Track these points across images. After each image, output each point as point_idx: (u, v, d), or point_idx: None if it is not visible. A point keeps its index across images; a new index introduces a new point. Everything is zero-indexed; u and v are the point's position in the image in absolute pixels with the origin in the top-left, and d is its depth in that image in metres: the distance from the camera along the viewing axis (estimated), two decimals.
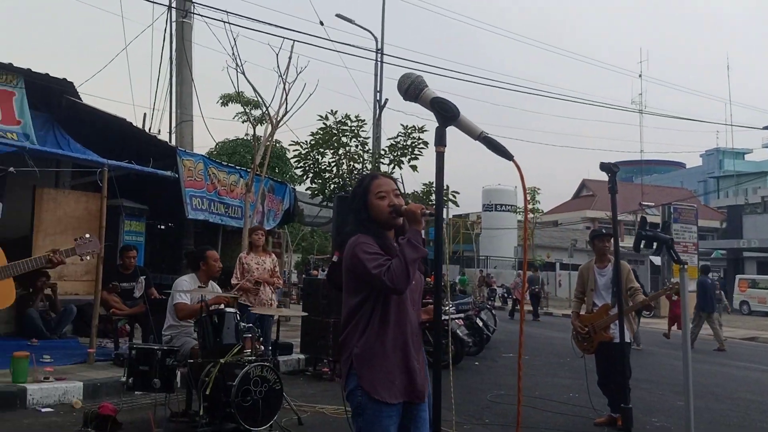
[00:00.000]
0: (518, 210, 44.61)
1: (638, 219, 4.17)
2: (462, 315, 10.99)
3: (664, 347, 15.18)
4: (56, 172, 10.30)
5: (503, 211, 44.74)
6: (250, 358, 5.70)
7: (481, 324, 11.54)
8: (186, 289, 6.22)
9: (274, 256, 8.88)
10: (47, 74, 9.28)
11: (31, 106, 9.07)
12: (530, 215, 36.79)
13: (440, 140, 2.38)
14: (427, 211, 2.82)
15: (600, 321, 6.61)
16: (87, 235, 4.29)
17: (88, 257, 4.37)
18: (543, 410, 7.12)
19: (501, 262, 41.24)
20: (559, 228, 51.85)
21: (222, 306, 6.10)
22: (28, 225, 9.04)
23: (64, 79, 9.52)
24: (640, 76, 50.45)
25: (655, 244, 3.60)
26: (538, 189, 39.50)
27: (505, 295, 26.32)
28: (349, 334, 2.94)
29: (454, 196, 18.90)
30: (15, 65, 8.87)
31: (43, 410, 6.14)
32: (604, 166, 3.63)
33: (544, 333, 17.42)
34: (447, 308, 10.25)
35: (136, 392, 6.00)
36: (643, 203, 35.31)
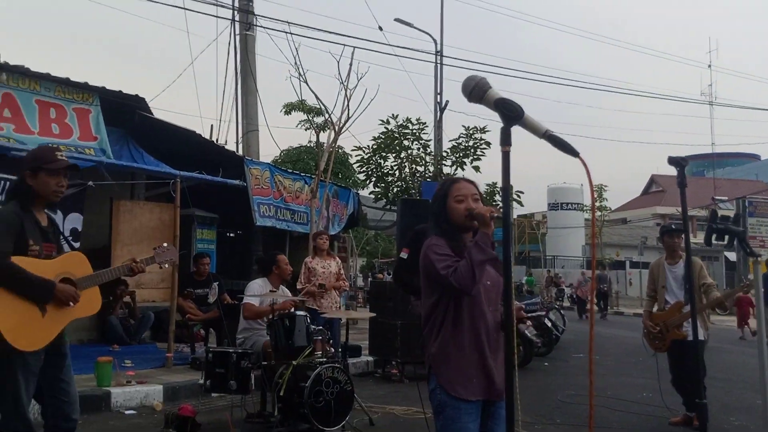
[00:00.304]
0: (585, 208, 43.86)
1: (709, 213, 4.02)
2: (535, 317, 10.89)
3: (740, 345, 14.73)
4: (131, 184, 10.70)
5: (569, 209, 43.97)
6: (321, 359, 5.85)
7: (549, 324, 11.41)
8: (257, 292, 6.41)
9: (338, 259, 9.01)
10: (120, 91, 9.64)
11: (106, 122, 9.44)
12: (597, 213, 36.13)
13: (505, 140, 2.39)
14: (496, 214, 2.87)
15: (673, 319, 6.47)
16: (165, 245, 4.45)
17: (166, 265, 4.54)
18: (615, 410, 7.01)
19: (569, 261, 40.54)
20: (629, 225, 50.65)
21: (292, 310, 6.28)
22: (106, 236, 9.43)
23: (137, 96, 9.88)
24: (709, 66, 48.88)
25: (726, 237, 3.54)
26: (605, 186, 38.85)
27: (573, 295, 25.86)
28: (427, 334, 3.04)
29: (518, 196, 18.79)
30: (90, 84, 9.27)
31: (127, 412, 6.42)
32: (672, 160, 3.56)
33: (616, 332, 17.10)
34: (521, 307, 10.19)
35: (213, 394, 6.25)
36: (716, 197, 34.24)
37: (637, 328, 8.05)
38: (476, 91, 2.45)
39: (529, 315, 10.21)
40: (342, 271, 8.75)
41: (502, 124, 2.37)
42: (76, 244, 8.30)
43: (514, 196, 19.24)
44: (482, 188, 13.50)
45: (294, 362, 5.66)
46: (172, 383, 7.13)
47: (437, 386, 2.96)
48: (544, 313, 11.38)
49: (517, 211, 41.13)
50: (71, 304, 3.73)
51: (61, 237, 4.09)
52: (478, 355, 2.95)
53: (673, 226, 7.08)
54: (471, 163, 18.35)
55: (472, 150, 18.46)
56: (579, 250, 40.71)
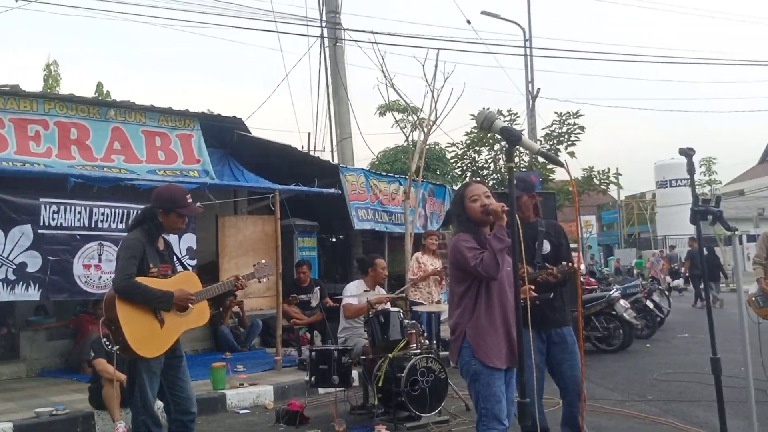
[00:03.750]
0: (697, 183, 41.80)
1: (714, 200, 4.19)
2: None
3: None
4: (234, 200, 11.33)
5: (679, 186, 41.99)
6: (415, 351, 6.14)
7: (652, 306, 11.26)
8: (353, 293, 6.77)
9: (441, 261, 9.34)
10: (219, 114, 10.26)
11: (207, 144, 10.06)
12: (707, 187, 34.92)
13: (510, 158, 2.97)
14: (507, 209, 3.28)
15: None
16: (263, 261, 5.01)
17: (264, 280, 5.06)
18: (710, 384, 6.92)
19: (681, 240, 38.80)
20: (745, 197, 47.89)
21: (387, 305, 6.61)
22: (213, 251, 10.06)
23: (234, 117, 10.45)
24: None
25: (710, 217, 3.85)
26: (714, 159, 37.33)
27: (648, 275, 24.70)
28: (460, 315, 3.50)
29: (616, 178, 18.44)
30: (191, 111, 9.93)
31: (241, 412, 6.91)
32: (681, 151, 3.85)
33: (727, 310, 16.45)
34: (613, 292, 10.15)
35: (319, 390, 6.67)
36: None
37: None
38: (486, 122, 3.01)
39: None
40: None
41: (507, 147, 2.95)
42: (193, 262, 8.91)
43: (612, 179, 18.92)
44: (579, 173, 13.50)
45: (390, 355, 5.99)
46: (281, 383, 7.57)
47: (473, 358, 3.41)
48: (643, 295, 11.23)
49: (623, 192, 39.94)
50: (190, 304, 4.30)
51: (175, 257, 4.67)
52: (505, 329, 3.43)
53: None
54: (566, 149, 18.19)
55: (566, 136, 18.30)
56: (692, 228, 38.87)
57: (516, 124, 18.74)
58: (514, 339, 3.40)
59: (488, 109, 16.57)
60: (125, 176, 8.46)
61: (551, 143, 18.12)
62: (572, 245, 3.55)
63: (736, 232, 4.15)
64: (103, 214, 8.11)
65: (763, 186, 47.76)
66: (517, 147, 3.02)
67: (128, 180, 8.31)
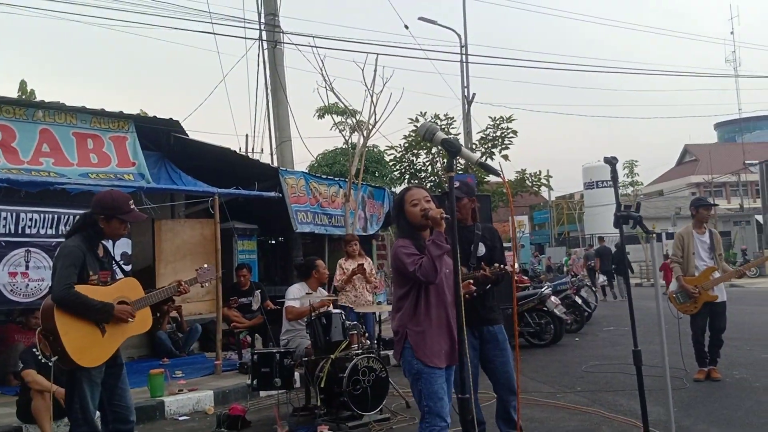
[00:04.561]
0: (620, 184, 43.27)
1: (635, 205, 4.62)
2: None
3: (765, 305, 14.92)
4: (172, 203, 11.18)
5: (605, 187, 43.42)
6: (357, 351, 6.26)
7: (580, 301, 11.69)
8: (296, 296, 6.84)
9: (369, 260, 9.48)
10: (155, 116, 10.09)
11: (143, 146, 9.85)
12: (630, 189, 36.44)
13: (450, 168, 3.11)
14: (446, 215, 3.40)
15: (707, 282, 7.14)
16: (205, 265, 4.95)
17: (207, 284, 5.04)
18: (633, 374, 7.30)
19: (606, 238, 40.12)
20: (664, 197, 50.00)
21: (329, 308, 6.70)
22: (150, 255, 9.90)
23: (170, 119, 10.27)
24: (731, 33, 48.47)
25: (630, 221, 4.07)
26: (636, 162, 39.12)
27: (570, 272, 25.68)
28: (401, 317, 3.60)
29: (547, 180, 18.96)
30: (125, 112, 9.76)
31: (181, 418, 6.81)
32: (606, 160, 4.13)
33: (644, 304, 17.18)
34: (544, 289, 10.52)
35: (260, 393, 6.69)
36: (747, 162, 34.21)
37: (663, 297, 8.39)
38: (427, 134, 3.21)
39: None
40: (373, 271, 9.18)
41: (448, 157, 3.09)
42: (128, 267, 8.72)
43: (543, 181, 19.47)
44: (512, 175, 14.02)
45: (332, 356, 6.08)
46: (222, 388, 7.50)
47: (414, 358, 3.52)
48: (572, 291, 11.65)
49: (554, 193, 40.98)
50: (130, 320, 4.23)
51: (114, 263, 4.59)
52: (446, 329, 3.54)
53: (709, 200, 7.78)
54: (500, 152, 18.60)
55: (500, 140, 18.73)
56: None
57: (452, 128, 19.07)
58: (454, 338, 3.48)
59: (424, 114, 16.95)
60: (55, 180, 8.15)
61: (486, 147, 18.52)
62: (507, 245, 3.77)
63: (654, 233, 4.41)
64: (30, 219, 7.82)
65: (680, 187, 50.12)
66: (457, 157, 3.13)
67: (58, 184, 8.02)
